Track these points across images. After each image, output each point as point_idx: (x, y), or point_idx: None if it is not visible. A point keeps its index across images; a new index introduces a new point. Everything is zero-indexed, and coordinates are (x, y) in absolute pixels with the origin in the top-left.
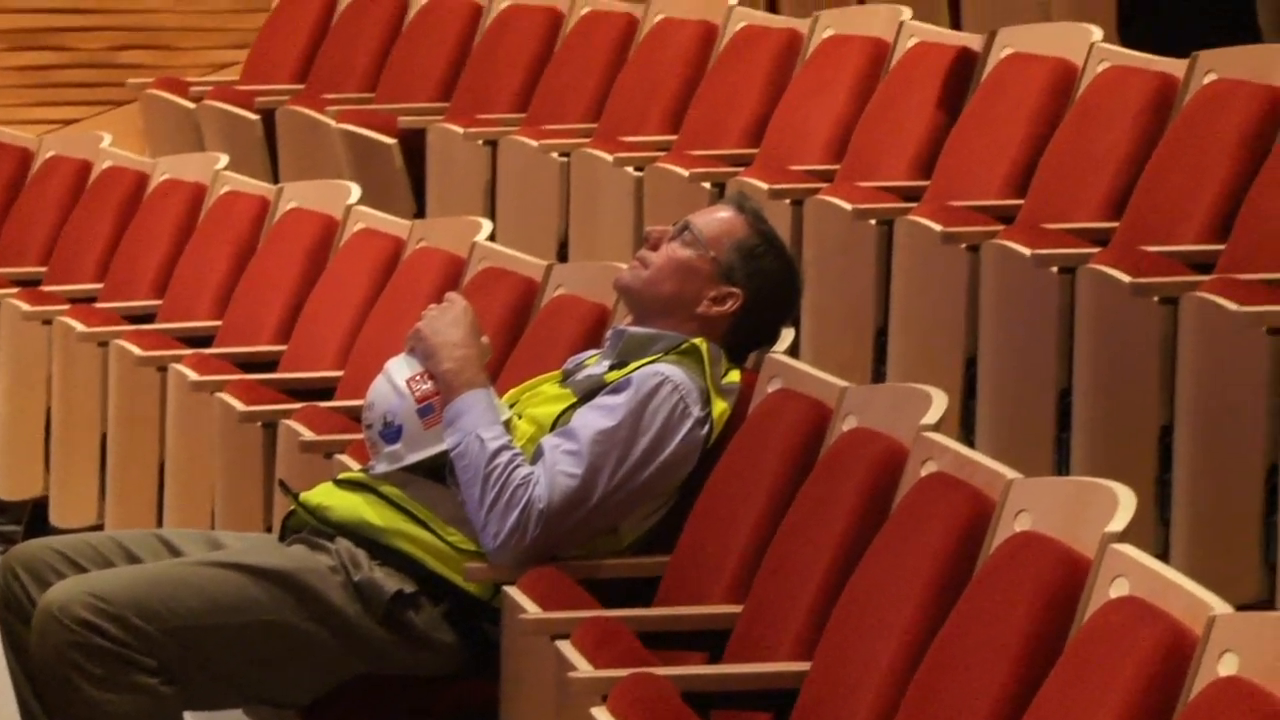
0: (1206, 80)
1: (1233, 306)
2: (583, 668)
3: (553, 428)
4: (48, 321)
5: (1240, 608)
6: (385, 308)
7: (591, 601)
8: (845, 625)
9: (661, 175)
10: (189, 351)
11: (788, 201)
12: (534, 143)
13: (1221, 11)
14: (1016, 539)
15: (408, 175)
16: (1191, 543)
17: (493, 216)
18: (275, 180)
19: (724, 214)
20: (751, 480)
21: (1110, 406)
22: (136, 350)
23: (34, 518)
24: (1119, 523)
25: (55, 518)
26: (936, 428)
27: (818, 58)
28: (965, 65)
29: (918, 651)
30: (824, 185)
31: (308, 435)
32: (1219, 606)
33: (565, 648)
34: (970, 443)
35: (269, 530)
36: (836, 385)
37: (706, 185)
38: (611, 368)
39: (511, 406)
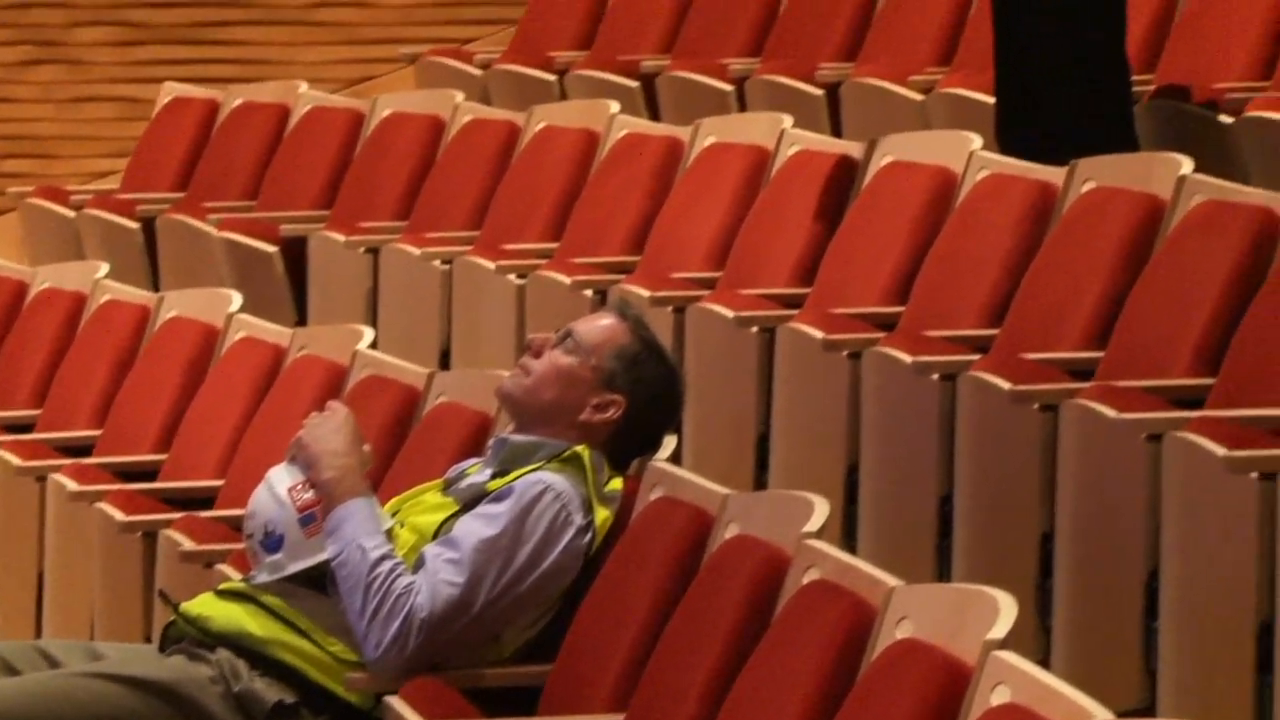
0: (1085, 188)
1: (1112, 413)
2: None
3: (434, 537)
4: None
5: (1121, 714)
6: (266, 416)
7: (473, 711)
8: None
9: (543, 283)
10: (68, 461)
11: (669, 309)
12: (416, 250)
13: (1099, 121)
14: (898, 646)
15: (289, 283)
16: (1073, 649)
17: (374, 324)
18: (156, 289)
19: (606, 321)
20: (633, 588)
21: (991, 513)
22: (15, 460)
23: None
24: (1000, 629)
25: None
26: (818, 535)
27: (699, 165)
28: (846, 173)
29: None
30: (705, 293)
31: (188, 545)
32: (1100, 713)
33: None
34: (852, 549)
35: (149, 640)
36: (718, 492)
37: (588, 293)
38: (494, 476)
39: (393, 515)
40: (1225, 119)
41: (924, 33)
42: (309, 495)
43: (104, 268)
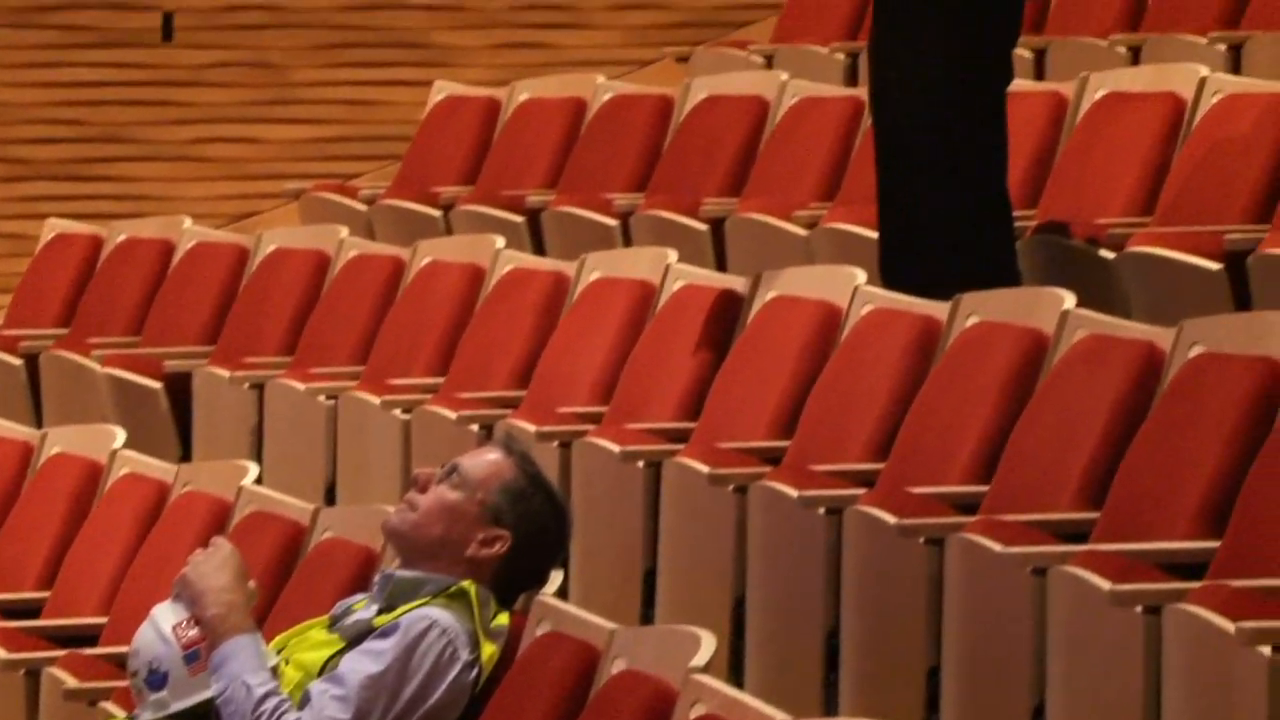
0: (969, 323)
1: (997, 547)
2: None
3: (320, 673)
4: None
5: None
6: (150, 553)
7: None
8: None
9: (429, 417)
10: None
11: (555, 443)
12: (301, 385)
13: (982, 256)
14: None
15: (174, 419)
16: None
17: (259, 460)
18: (39, 425)
19: (492, 456)
20: None
21: (878, 647)
22: None
23: None
24: None
25: None
26: (705, 670)
27: (584, 300)
28: (731, 307)
29: None
30: (591, 427)
31: (71, 683)
32: None
33: None
34: (739, 684)
35: None
36: (605, 627)
37: (474, 427)
38: (380, 612)
39: (279, 652)
40: (1107, 254)
41: (808, 168)
42: (194, 632)
43: None
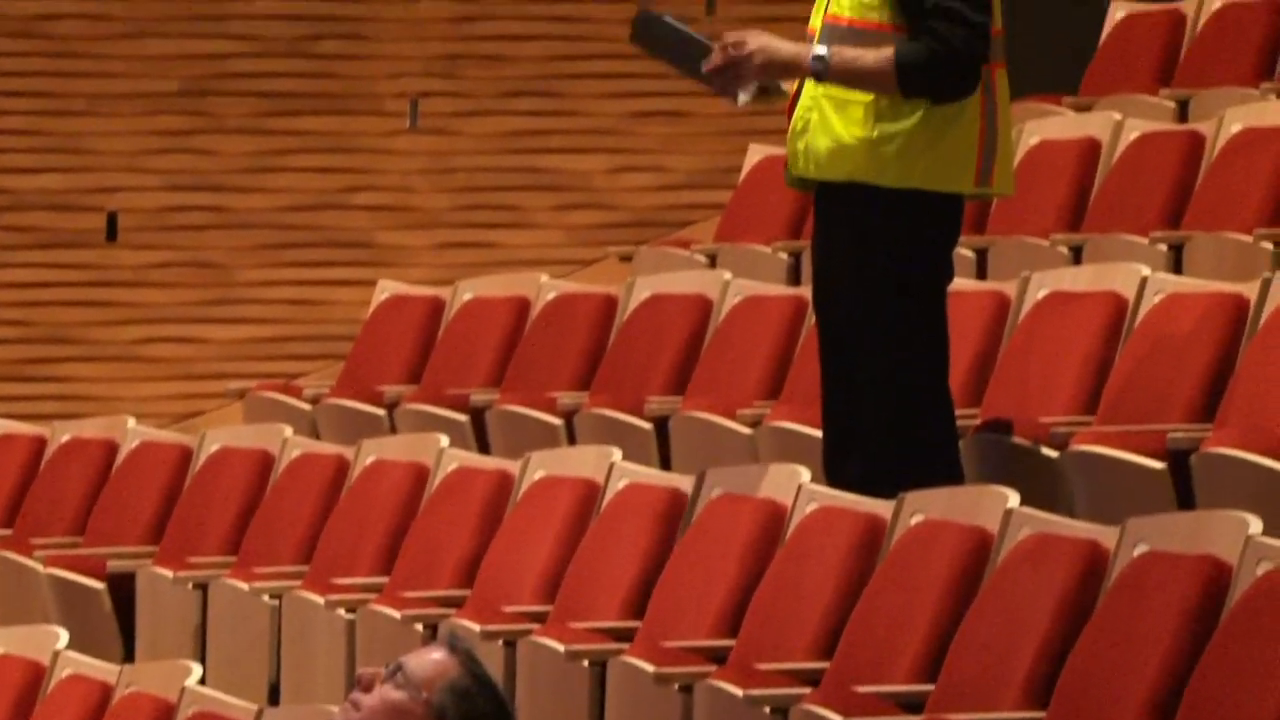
0: (914, 521)
1: None
2: None
3: None
4: None
5: None
6: None
7: None
8: None
9: (373, 617)
10: None
11: (500, 642)
12: (244, 585)
13: (925, 455)
14: None
15: (117, 619)
16: None
17: (203, 660)
18: None
19: (436, 655)
20: None
21: None
22: None
23: None
24: None
25: None
26: None
27: (529, 498)
28: (676, 506)
29: None
30: (536, 626)
31: None
32: None
33: None
34: None
35: None
36: None
37: (419, 626)
38: None
39: None
40: (1050, 452)
41: (751, 366)
42: None
43: None
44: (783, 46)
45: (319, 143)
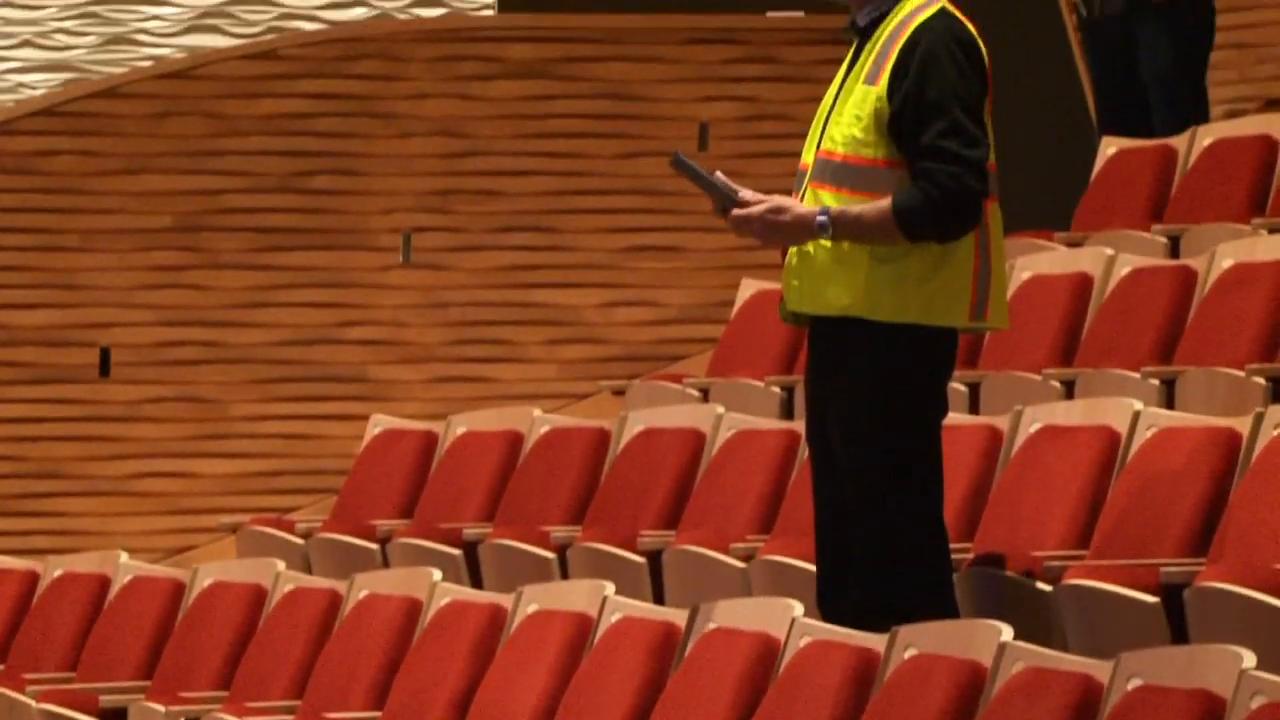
0: (907, 655)
1: None
2: None
3: None
4: None
5: None
6: None
7: None
8: None
9: None
10: None
11: None
12: None
13: (918, 589)
14: None
15: None
16: None
17: None
18: None
19: None
20: None
21: None
22: None
23: None
24: None
25: None
26: None
27: (521, 633)
28: (669, 640)
29: None
30: None
31: None
32: None
33: None
34: None
35: None
36: None
37: None
38: None
39: None
40: (1043, 587)
41: (744, 500)
42: None
43: None
44: (783, 219)
45: (312, 278)
